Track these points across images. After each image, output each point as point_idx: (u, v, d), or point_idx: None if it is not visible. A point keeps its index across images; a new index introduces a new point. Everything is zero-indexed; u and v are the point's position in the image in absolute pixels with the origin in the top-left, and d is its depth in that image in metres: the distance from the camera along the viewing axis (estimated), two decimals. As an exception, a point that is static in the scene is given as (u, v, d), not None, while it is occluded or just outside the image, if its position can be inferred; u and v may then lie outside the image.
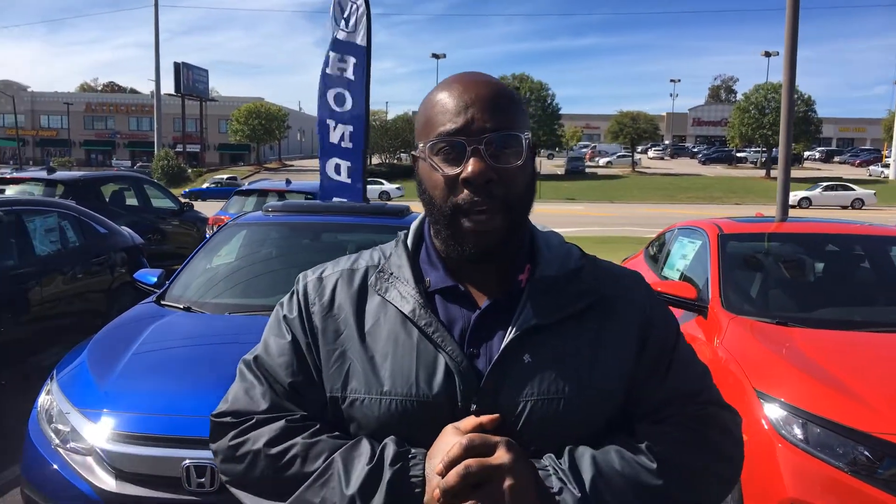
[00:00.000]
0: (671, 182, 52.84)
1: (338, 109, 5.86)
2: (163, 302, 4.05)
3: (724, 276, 4.26)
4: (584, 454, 1.03)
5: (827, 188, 40.63)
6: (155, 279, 4.44)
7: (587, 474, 1.00)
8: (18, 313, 5.15)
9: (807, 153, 73.78)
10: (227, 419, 1.12)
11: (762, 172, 59.21)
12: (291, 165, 66.65)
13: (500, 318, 1.07)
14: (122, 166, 64.82)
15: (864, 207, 38.20)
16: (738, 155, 72.29)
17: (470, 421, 1.01)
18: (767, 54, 67.11)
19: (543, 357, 1.05)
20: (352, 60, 5.85)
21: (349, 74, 5.85)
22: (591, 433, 1.06)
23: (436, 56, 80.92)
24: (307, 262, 4.83)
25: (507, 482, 0.94)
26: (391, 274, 1.12)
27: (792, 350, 3.49)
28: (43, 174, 10.67)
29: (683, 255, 5.20)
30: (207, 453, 2.50)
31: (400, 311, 1.08)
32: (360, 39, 5.86)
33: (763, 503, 2.95)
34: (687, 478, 1.06)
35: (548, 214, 28.68)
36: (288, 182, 10.92)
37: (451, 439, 0.99)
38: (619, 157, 71.09)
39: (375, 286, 1.12)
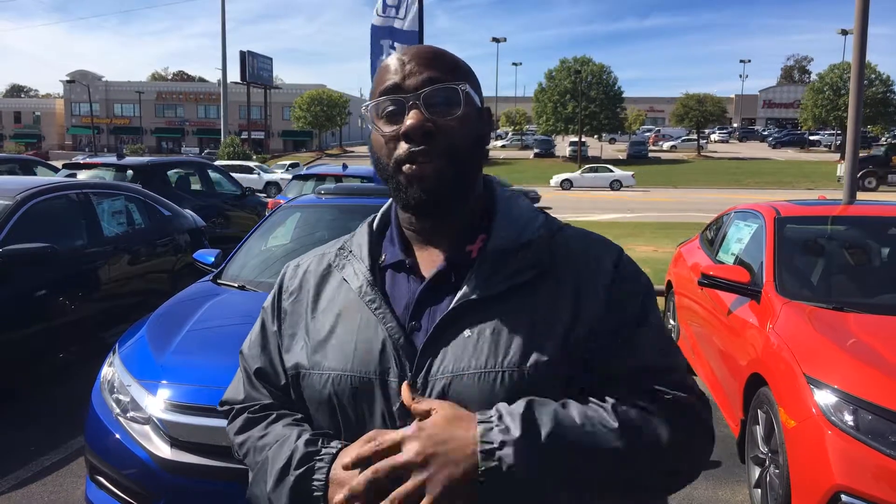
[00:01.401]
0: (738, 166, 51.23)
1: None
2: (219, 281, 4.20)
3: (779, 259, 4.15)
4: (544, 404, 0.94)
5: (587, 170, 40.50)
6: (213, 259, 4.61)
7: (545, 427, 0.91)
8: (88, 291, 5.42)
9: (885, 136, 70.40)
10: (224, 408, 1.24)
11: (836, 156, 56.83)
12: (352, 151, 67.45)
13: (446, 291, 1.05)
14: (190, 153, 66.80)
15: (621, 189, 37.71)
16: (811, 138, 69.54)
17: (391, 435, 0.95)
18: (844, 32, 64.13)
19: (483, 330, 1.00)
20: (402, 47, 5.90)
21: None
22: None
23: (496, 40, 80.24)
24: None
25: (420, 477, 0.89)
26: (350, 252, 1.15)
27: (846, 335, 3.39)
28: (113, 159, 11.12)
29: (739, 238, 5.08)
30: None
31: (350, 286, 1.10)
32: (409, 25, 5.90)
33: (811, 489, 2.90)
34: (649, 448, 0.96)
35: (608, 200, 28.26)
36: (344, 167, 11.08)
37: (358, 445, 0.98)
38: (683, 140, 69.32)
39: (335, 264, 1.15)
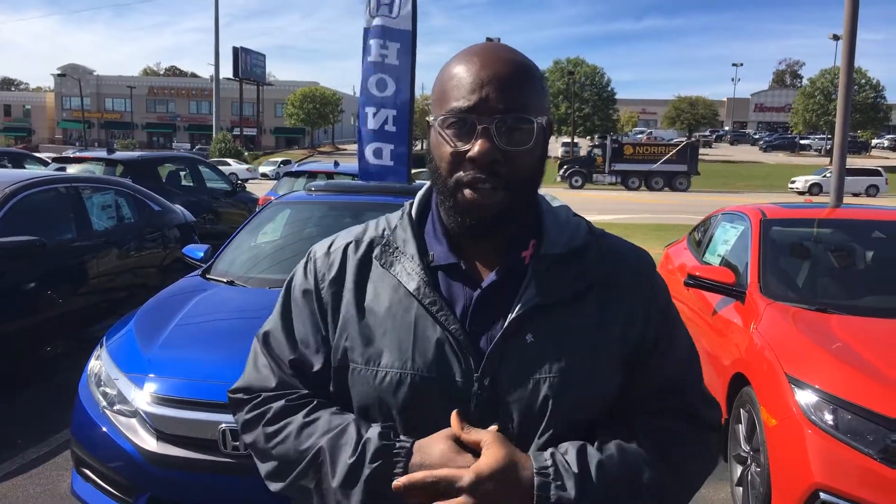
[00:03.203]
0: (729, 169, 51.49)
1: (379, 94, 5.92)
2: (208, 276, 4.20)
3: (764, 261, 4.20)
4: (593, 458, 1.00)
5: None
6: (202, 254, 4.62)
7: (599, 487, 0.98)
8: (76, 285, 5.41)
9: (875, 141, 70.91)
10: (240, 395, 1.18)
11: (826, 160, 57.20)
12: (345, 149, 67.36)
13: (502, 295, 1.05)
14: (181, 149, 66.57)
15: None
16: (802, 142, 69.98)
17: (471, 434, 0.99)
18: (836, 37, 64.38)
19: (546, 337, 1.03)
20: (395, 46, 5.89)
21: (392, 59, 5.90)
22: (589, 417, 1.05)
23: (490, 40, 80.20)
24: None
25: None
26: (396, 248, 1.11)
27: (828, 336, 3.43)
28: (103, 154, 11.08)
29: (725, 240, 5.12)
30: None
31: (404, 286, 1.07)
32: (403, 24, 5.90)
33: (791, 487, 2.94)
34: (687, 484, 1.09)
35: (599, 200, 28.37)
36: (336, 164, 11.09)
37: (438, 450, 0.99)
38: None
39: (380, 259, 1.11)
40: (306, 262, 1.19)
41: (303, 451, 1.06)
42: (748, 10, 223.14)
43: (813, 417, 2.93)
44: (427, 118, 1.09)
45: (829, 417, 2.90)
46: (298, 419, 1.09)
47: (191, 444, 2.83)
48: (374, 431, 1.02)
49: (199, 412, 2.84)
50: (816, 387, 3.01)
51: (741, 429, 3.57)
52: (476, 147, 0.99)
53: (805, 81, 70.05)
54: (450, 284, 1.08)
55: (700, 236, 5.95)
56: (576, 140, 55.77)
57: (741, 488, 3.51)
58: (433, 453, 0.98)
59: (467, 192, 1.01)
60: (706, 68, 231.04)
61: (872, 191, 36.15)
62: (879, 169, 38.40)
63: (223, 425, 2.77)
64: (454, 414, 1.00)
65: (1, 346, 4.62)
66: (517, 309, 1.03)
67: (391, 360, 1.04)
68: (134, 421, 2.97)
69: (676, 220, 19.56)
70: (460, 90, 1.02)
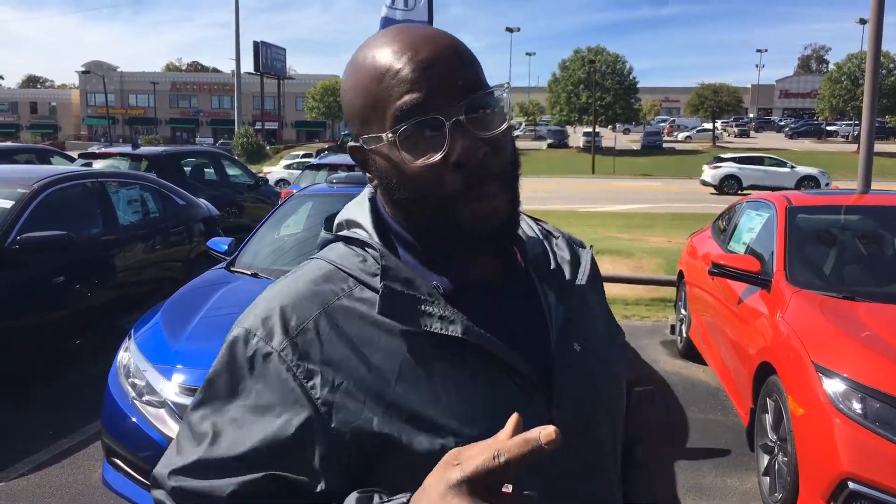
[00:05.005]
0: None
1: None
2: (232, 268, 4.25)
3: (789, 249, 4.15)
4: None
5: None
6: (226, 247, 4.67)
7: None
8: (103, 278, 5.50)
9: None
10: (179, 487, 0.80)
11: (854, 147, 56.23)
12: (366, 142, 67.44)
13: (523, 307, 0.89)
14: (204, 143, 67.14)
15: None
16: (829, 128, 68.84)
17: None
18: (862, 21, 63.24)
19: (584, 341, 0.90)
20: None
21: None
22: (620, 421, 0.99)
23: (510, 30, 79.89)
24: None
25: None
26: (406, 294, 0.81)
27: (855, 324, 3.39)
28: (128, 149, 11.22)
29: (750, 228, 5.07)
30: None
31: (444, 334, 0.79)
32: (420, 16, 5.90)
33: (818, 477, 2.91)
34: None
35: (622, 190, 28.15)
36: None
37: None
38: (698, 131, 68.82)
39: (394, 316, 0.80)
40: (255, 354, 0.80)
41: None
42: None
43: (841, 406, 2.90)
44: (356, 143, 0.86)
45: (857, 406, 2.87)
46: None
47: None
48: (352, 497, 0.74)
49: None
50: (845, 375, 2.98)
51: (768, 418, 3.54)
52: (458, 149, 0.78)
53: (831, 66, 68.82)
54: (473, 311, 0.83)
55: (724, 225, 5.89)
56: (597, 129, 55.34)
57: (768, 478, 3.49)
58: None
59: (466, 209, 0.80)
60: (729, 55, 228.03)
61: (809, 184, 29.12)
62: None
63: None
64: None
65: (32, 338, 4.72)
66: (556, 321, 0.88)
67: (457, 427, 0.79)
68: (162, 411, 3.02)
69: (699, 209, 19.37)
70: (400, 86, 0.79)
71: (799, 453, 3.06)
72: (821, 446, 2.93)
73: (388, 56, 0.81)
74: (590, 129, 54.32)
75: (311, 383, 0.78)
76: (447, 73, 0.80)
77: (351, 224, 0.91)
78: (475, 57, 0.86)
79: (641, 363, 5.83)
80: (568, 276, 0.94)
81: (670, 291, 7.57)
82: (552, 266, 0.94)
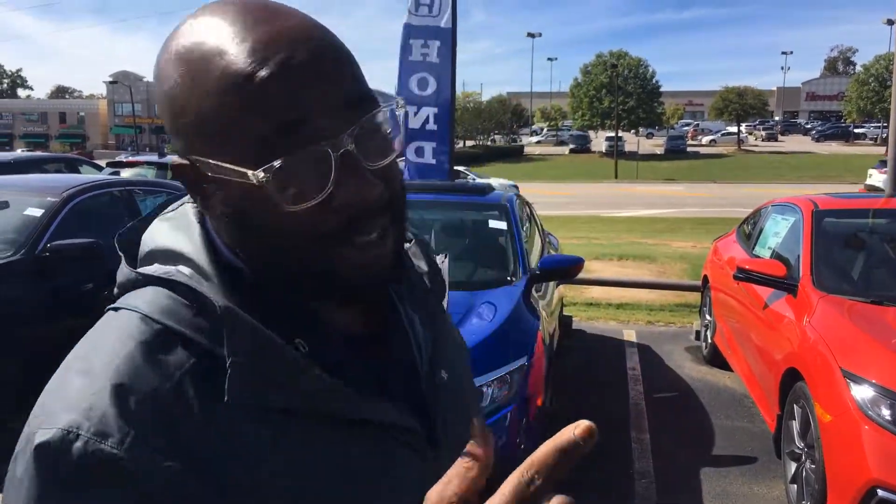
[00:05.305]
0: (780, 160, 50.23)
1: (420, 93, 6.00)
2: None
3: (816, 253, 4.09)
4: None
5: None
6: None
7: None
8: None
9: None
10: None
11: (882, 149, 55.37)
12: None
13: (391, 341, 0.73)
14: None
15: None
16: (856, 131, 67.85)
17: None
18: (890, 22, 62.50)
19: (449, 365, 0.77)
20: (436, 44, 5.95)
21: (433, 58, 5.96)
22: None
23: (531, 35, 79.89)
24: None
25: None
26: (266, 366, 0.58)
27: (884, 330, 3.34)
28: (155, 158, 11.40)
29: (776, 232, 5.01)
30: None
31: (320, 406, 0.60)
32: (444, 22, 5.94)
33: (846, 484, 2.87)
34: None
35: (645, 195, 27.96)
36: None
37: None
38: (723, 135, 68.22)
39: (252, 396, 0.58)
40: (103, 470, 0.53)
41: None
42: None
43: (870, 413, 2.86)
44: (185, 161, 0.63)
45: (886, 413, 2.82)
46: None
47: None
48: None
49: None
50: (873, 381, 2.94)
51: (795, 425, 3.49)
52: (350, 187, 0.60)
53: (858, 68, 67.96)
54: (343, 367, 0.64)
55: (750, 229, 5.84)
56: (620, 134, 55.08)
57: (795, 485, 3.44)
58: None
59: (355, 250, 0.62)
60: (754, 57, 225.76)
61: None
62: None
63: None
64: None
65: (62, 345, 4.80)
66: (424, 350, 0.74)
67: None
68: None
69: (724, 213, 19.19)
70: (268, 101, 0.57)
71: (827, 460, 3.02)
72: (849, 453, 2.89)
73: (245, 55, 0.58)
74: (612, 134, 54.08)
75: (184, 492, 0.54)
76: (329, 85, 0.59)
77: (170, 257, 0.65)
78: (352, 54, 0.64)
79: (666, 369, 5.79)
80: (429, 287, 0.80)
81: (695, 297, 7.50)
82: (413, 279, 0.78)
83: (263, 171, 0.58)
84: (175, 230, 0.68)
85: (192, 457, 0.55)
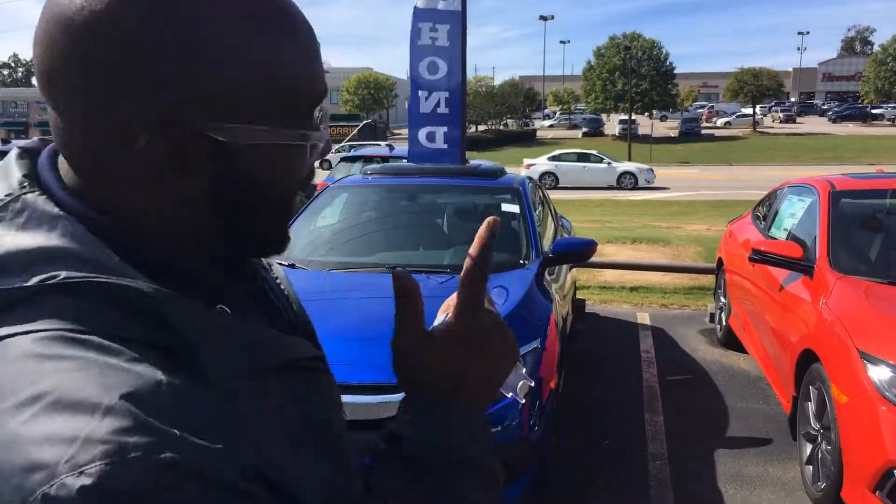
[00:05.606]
0: (796, 142, 49.68)
1: (431, 77, 5.96)
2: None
3: (833, 234, 4.05)
4: None
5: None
6: (263, 239, 4.72)
7: None
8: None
9: None
10: None
11: (900, 130, 54.64)
12: (399, 134, 67.68)
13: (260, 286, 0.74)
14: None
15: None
16: (874, 112, 66.96)
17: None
18: (909, -1, 61.24)
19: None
20: (445, 28, 5.90)
21: (442, 42, 5.92)
22: None
23: (543, 18, 79.14)
24: (406, 223, 4.84)
25: None
26: (223, 340, 0.56)
27: (902, 310, 3.30)
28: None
29: (792, 213, 4.96)
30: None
31: (269, 363, 0.60)
32: (453, 6, 5.89)
33: (863, 466, 2.85)
34: None
35: (659, 178, 27.77)
36: (391, 148, 11.17)
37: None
38: (738, 116, 67.51)
39: (236, 366, 0.56)
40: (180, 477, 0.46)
41: None
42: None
43: (887, 394, 2.84)
44: (224, 137, 0.57)
45: (904, 394, 2.80)
46: None
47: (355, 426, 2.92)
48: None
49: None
50: (891, 362, 2.91)
51: (810, 406, 3.47)
52: (315, 158, 0.66)
53: (876, 48, 66.82)
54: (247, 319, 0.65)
55: (765, 211, 5.78)
56: (633, 117, 54.63)
57: (811, 467, 3.43)
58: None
59: (287, 220, 0.67)
60: (770, 38, 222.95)
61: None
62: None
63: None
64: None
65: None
66: (279, 299, 0.75)
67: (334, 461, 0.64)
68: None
69: (738, 195, 19.02)
70: (309, 68, 0.61)
71: (843, 442, 3.00)
72: (865, 435, 2.87)
73: (283, 13, 0.60)
74: (625, 117, 53.65)
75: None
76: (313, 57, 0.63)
77: (49, 257, 0.54)
78: None
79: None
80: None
81: (709, 279, 7.46)
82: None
83: (277, 125, 0.59)
84: (21, 230, 0.55)
85: (240, 449, 0.51)
